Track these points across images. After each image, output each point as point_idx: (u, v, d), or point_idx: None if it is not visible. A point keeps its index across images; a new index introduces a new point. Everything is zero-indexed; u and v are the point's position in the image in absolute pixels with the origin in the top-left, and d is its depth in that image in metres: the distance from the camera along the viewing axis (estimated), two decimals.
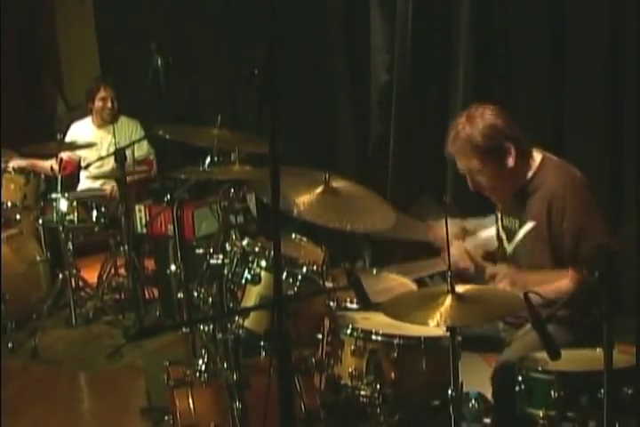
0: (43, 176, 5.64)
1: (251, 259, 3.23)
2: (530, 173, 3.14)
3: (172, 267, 4.03)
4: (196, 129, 3.83)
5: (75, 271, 5.30)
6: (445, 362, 2.64)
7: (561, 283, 3.02)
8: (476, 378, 3.07)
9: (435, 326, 2.56)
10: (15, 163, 5.64)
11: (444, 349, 2.71)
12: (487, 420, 3.23)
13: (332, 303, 3.12)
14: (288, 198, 3.03)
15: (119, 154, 4.98)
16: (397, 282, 3.53)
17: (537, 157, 3.16)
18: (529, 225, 3.13)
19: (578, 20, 4.64)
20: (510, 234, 3.23)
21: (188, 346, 3.82)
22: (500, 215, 3.31)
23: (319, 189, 3.13)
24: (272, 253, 3.01)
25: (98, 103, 5.81)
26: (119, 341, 4.94)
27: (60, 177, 5.15)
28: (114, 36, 7.09)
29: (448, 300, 2.57)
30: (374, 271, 3.69)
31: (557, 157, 3.21)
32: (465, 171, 3.15)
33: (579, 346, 2.81)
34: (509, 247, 3.24)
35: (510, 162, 3.09)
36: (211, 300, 3.29)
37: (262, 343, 3.25)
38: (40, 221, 5.36)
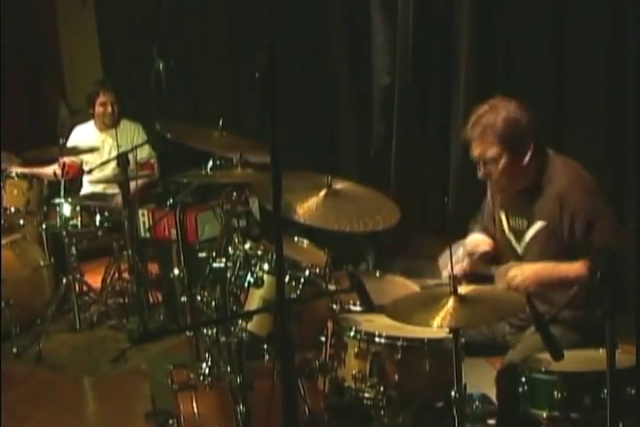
0: (45, 181, 5.64)
1: (253, 262, 3.24)
2: (539, 173, 3.12)
3: (176, 271, 4.04)
4: (196, 130, 3.81)
5: (78, 276, 5.32)
6: (449, 364, 2.65)
7: (573, 265, 2.98)
8: (480, 380, 3.07)
9: (437, 327, 2.56)
10: (16, 170, 5.64)
11: (447, 350, 2.71)
12: (491, 421, 3.24)
13: (334, 306, 3.12)
14: (290, 206, 3.03)
15: (121, 158, 4.98)
16: (400, 284, 3.53)
17: (547, 156, 3.16)
18: (538, 224, 3.11)
19: (578, 20, 4.64)
20: (518, 234, 3.21)
21: (192, 350, 3.83)
22: (504, 216, 3.30)
23: (322, 193, 3.12)
24: (274, 256, 3.01)
25: (98, 108, 5.80)
26: (123, 345, 4.94)
27: (63, 182, 5.16)
28: (115, 40, 7.10)
29: (450, 301, 2.57)
30: (377, 274, 3.69)
31: (565, 157, 3.21)
32: (478, 158, 3.10)
33: (582, 347, 2.81)
34: (519, 247, 3.21)
35: (526, 159, 3.07)
36: (214, 303, 3.29)
37: (265, 346, 3.25)
38: (43, 226, 5.37)
